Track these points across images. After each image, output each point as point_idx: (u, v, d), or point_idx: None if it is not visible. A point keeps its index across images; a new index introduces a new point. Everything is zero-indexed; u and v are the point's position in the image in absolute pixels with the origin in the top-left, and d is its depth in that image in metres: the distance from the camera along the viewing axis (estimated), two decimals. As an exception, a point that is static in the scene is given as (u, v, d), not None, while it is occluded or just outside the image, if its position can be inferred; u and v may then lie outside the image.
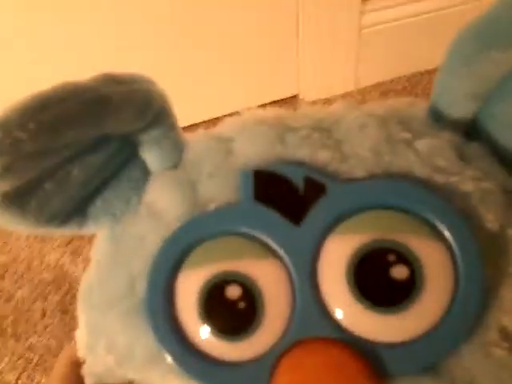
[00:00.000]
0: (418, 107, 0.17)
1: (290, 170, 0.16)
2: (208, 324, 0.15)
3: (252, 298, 0.15)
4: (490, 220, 0.15)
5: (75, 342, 0.21)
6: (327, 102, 1.29)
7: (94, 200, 0.19)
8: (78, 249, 0.94)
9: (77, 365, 0.21)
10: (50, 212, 0.17)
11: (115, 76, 0.16)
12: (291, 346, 0.14)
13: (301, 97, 1.35)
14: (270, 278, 0.15)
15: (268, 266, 0.15)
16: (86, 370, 0.19)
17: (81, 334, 0.19)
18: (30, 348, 0.86)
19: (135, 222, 0.18)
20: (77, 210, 0.18)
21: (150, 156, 0.18)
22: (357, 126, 0.16)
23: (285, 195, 0.15)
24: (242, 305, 0.15)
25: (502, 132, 0.16)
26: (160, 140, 0.18)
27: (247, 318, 0.15)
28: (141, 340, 0.16)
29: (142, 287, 0.17)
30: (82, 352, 0.19)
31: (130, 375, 0.17)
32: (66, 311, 0.88)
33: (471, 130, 0.16)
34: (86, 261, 0.22)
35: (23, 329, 0.88)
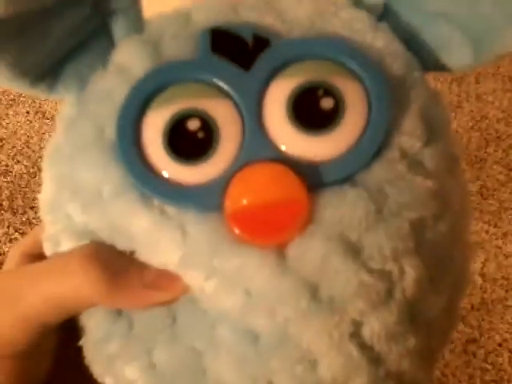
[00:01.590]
0: None
1: (240, 28, 0.19)
2: (171, 152, 0.17)
3: (209, 129, 0.18)
4: (396, 69, 0.19)
5: (26, 237, 0.23)
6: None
7: (65, 63, 0.20)
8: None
9: (30, 256, 0.22)
10: (24, 65, 0.19)
11: None
12: (241, 167, 0.17)
13: None
14: (223, 113, 0.18)
15: (222, 104, 0.18)
16: (44, 237, 0.21)
17: (44, 195, 0.20)
18: (27, 223, 0.86)
19: (104, 80, 0.20)
20: (49, 71, 0.20)
21: (117, 25, 0.20)
22: (294, 0, 0.20)
23: (236, 48, 0.19)
24: (200, 134, 0.18)
25: (405, 17, 0.20)
26: (126, 10, 0.20)
27: (205, 145, 0.17)
28: (108, 176, 0.18)
29: (110, 132, 0.18)
30: (43, 213, 0.20)
31: (91, 221, 0.19)
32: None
33: (381, 14, 0.20)
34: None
35: (20, 203, 0.88)
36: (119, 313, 0.19)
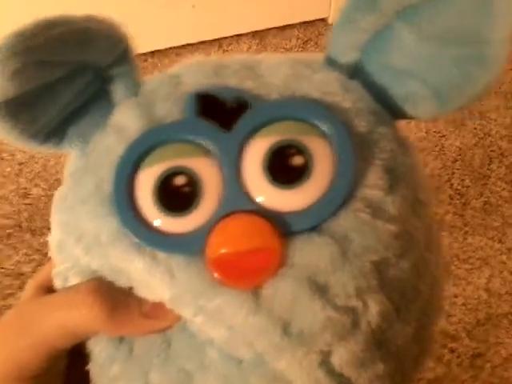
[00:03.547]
0: (319, 56, 0.23)
1: (223, 91, 0.21)
2: (160, 205, 0.19)
3: (193, 184, 0.19)
4: (362, 126, 0.20)
5: (40, 271, 0.25)
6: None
7: (69, 124, 0.22)
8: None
9: (43, 289, 0.23)
10: (35, 128, 0.21)
11: (94, 16, 0.21)
12: (221, 218, 0.19)
13: (330, 21, 1.31)
14: (206, 170, 0.20)
15: (205, 162, 0.20)
16: (54, 273, 0.23)
17: (53, 238, 0.22)
18: (46, 244, 0.88)
19: (104, 138, 0.22)
20: (55, 131, 0.22)
21: (116, 89, 0.22)
22: (274, 65, 0.22)
23: (219, 111, 0.21)
24: (186, 189, 0.19)
25: (375, 74, 0.22)
26: (124, 76, 0.22)
27: (190, 199, 0.19)
28: (106, 226, 0.20)
29: (108, 187, 0.20)
30: (53, 253, 0.22)
31: (94, 263, 0.21)
32: (80, 213, 0.90)
33: (353, 72, 0.22)
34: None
35: (39, 225, 0.91)
36: (121, 339, 0.21)
